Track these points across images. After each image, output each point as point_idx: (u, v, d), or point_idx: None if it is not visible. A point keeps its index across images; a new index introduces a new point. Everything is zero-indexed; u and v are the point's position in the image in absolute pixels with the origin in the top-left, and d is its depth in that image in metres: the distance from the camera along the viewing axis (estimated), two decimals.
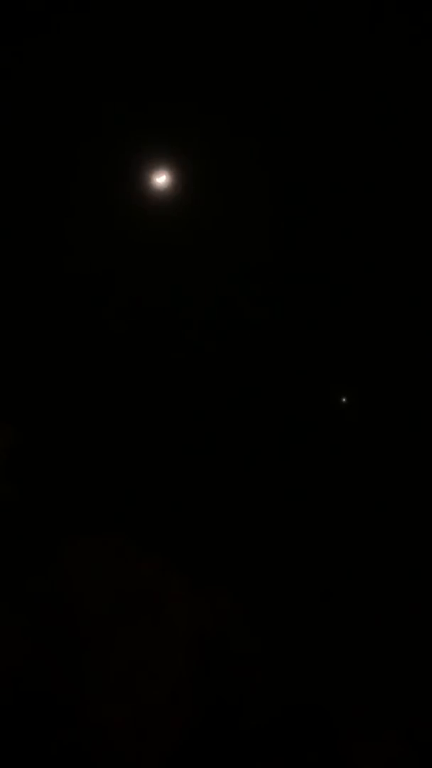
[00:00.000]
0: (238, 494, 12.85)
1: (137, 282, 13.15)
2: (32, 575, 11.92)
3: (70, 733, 11.20)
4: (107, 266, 13.05)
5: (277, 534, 12.77)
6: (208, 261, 13.21)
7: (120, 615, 11.89)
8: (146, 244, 13.10)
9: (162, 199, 13.10)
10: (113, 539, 12.27)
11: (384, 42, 12.36)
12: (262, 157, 13.03)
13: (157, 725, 11.42)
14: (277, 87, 12.80)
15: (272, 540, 12.73)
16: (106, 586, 12.00)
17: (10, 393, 12.92)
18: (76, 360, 13.00)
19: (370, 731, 11.89)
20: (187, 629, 11.97)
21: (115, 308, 13.09)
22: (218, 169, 13.08)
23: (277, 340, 13.46)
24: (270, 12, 12.41)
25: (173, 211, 13.11)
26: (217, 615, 12.13)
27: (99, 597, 11.92)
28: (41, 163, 12.93)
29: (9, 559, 12.05)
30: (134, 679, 11.58)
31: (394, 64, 12.46)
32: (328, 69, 12.66)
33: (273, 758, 11.43)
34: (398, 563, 12.81)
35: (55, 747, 10.83)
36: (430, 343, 13.44)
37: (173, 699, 11.58)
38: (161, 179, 13.10)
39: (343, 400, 13.53)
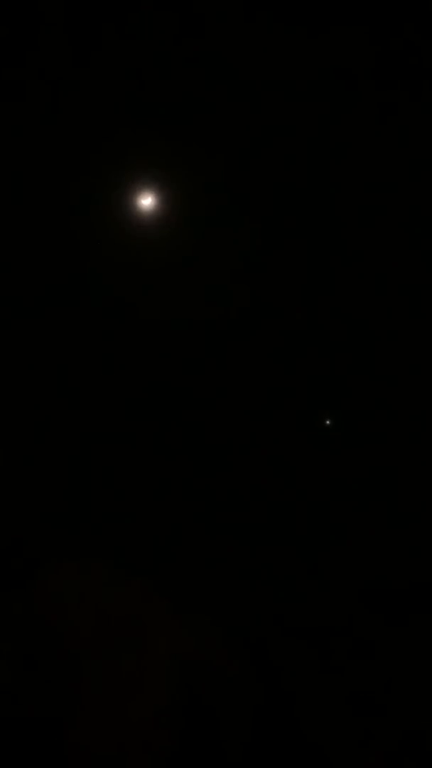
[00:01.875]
0: (221, 519, 12.91)
1: (124, 305, 13.19)
2: (13, 599, 11.94)
3: (53, 757, 11.26)
4: (94, 290, 13.08)
5: (261, 559, 12.84)
6: (192, 285, 13.26)
7: (102, 639, 11.93)
8: (131, 268, 13.13)
9: (146, 223, 13.13)
10: (96, 563, 12.31)
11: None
12: (251, 183, 13.09)
13: (139, 748, 11.48)
14: (269, 115, 12.84)
15: (256, 565, 12.80)
16: (88, 610, 12.04)
17: None
18: (59, 382, 13.04)
19: (356, 753, 11.99)
20: (170, 653, 12.02)
21: (100, 334, 13.14)
22: (204, 194, 13.12)
23: (262, 362, 13.51)
24: (264, 43, 12.45)
25: (158, 235, 13.14)
26: (199, 639, 12.18)
27: (81, 621, 11.95)
28: (26, 186, 12.94)
29: None
30: (116, 702, 11.64)
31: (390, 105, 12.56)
32: (322, 100, 12.73)
33: None
34: (387, 583, 12.90)
35: None
36: (417, 366, 13.52)
37: (156, 722, 11.63)
38: (146, 202, 13.13)
39: (327, 422, 13.60)
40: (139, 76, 12.43)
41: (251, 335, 13.51)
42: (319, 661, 12.35)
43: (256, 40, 12.12)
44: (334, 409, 13.72)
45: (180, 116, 12.73)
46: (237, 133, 12.81)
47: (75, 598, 12.03)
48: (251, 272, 13.41)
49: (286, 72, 12.25)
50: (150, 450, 13.08)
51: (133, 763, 11.38)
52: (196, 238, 13.20)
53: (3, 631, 11.73)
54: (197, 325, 13.36)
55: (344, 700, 12.13)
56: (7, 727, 11.19)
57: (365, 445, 13.60)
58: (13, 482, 12.62)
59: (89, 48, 12.32)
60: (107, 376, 13.21)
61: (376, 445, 13.56)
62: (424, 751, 11.83)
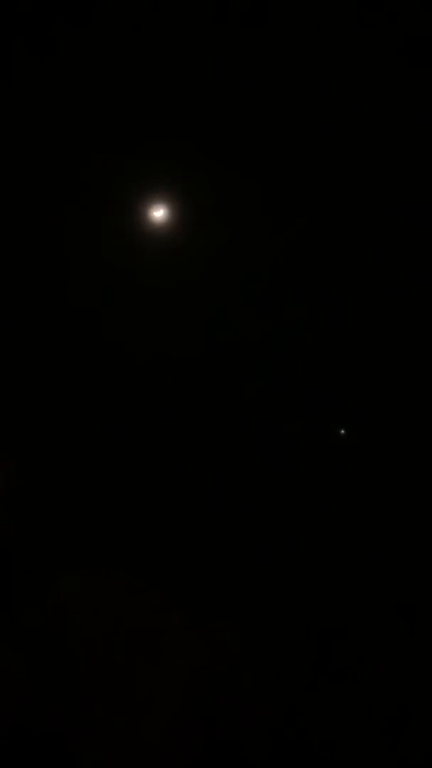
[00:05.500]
0: (236, 529, 12.84)
1: (135, 318, 13.19)
2: (29, 611, 11.90)
3: None
4: (106, 301, 13.10)
5: (276, 568, 12.75)
6: (205, 295, 13.25)
7: (118, 651, 11.86)
8: (143, 279, 13.14)
9: (159, 233, 13.14)
10: (111, 575, 12.25)
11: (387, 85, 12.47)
12: (262, 192, 13.08)
13: (156, 762, 11.38)
14: (279, 121, 12.85)
15: (271, 574, 12.71)
16: (103, 622, 11.97)
17: (11, 428, 12.96)
18: (76, 395, 13.05)
19: (370, 765, 11.86)
20: (186, 665, 11.93)
21: (114, 345, 13.13)
22: (217, 202, 13.11)
23: (276, 372, 13.46)
24: (271, 49, 12.47)
25: (170, 245, 13.14)
26: (216, 650, 12.09)
27: (97, 633, 11.89)
28: (36, 195, 12.98)
29: (5, 595, 12.05)
30: (133, 715, 11.55)
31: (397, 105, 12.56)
32: (330, 104, 12.73)
33: None
34: (397, 596, 12.77)
35: None
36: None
37: (172, 735, 11.53)
38: (159, 213, 13.13)
39: (342, 432, 13.53)
40: (144, 84, 12.54)
41: (266, 345, 13.47)
42: (334, 673, 12.26)
43: (264, 43, 12.20)
44: (347, 419, 13.64)
45: (189, 125, 12.79)
46: (248, 140, 12.84)
47: (90, 610, 11.97)
48: (266, 286, 13.40)
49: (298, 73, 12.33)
50: (166, 464, 13.04)
51: None
52: (208, 252, 13.19)
53: (19, 644, 11.69)
54: (208, 337, 13.36)
55: (360, 711, 12.03)
56: (22, 740, 11.13)
57: (381, 455, 13.50)
58: (28, 498, 12.59)
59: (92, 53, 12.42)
60: (125, 393, 13.18)
61: (392, 455, 13.46)
62: None
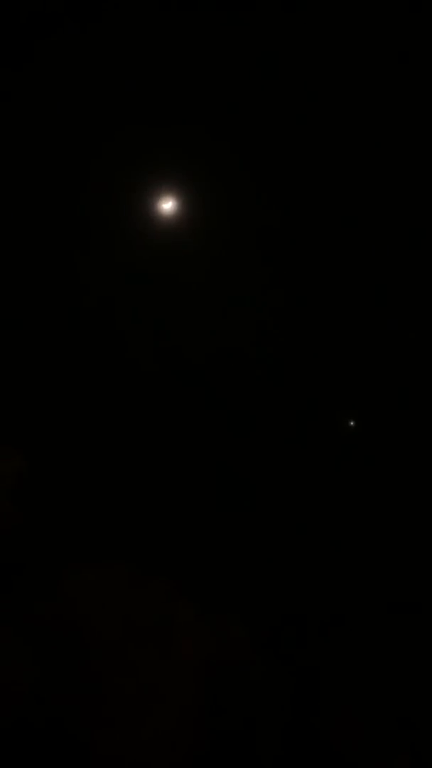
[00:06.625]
0: (245, 522, 12.86)
1: (145, 310, 13.21)
2: (38, 602, 11.96)
3: (78, 761, 11.24)
4: (115, 295, 13.12)
5: (284, 560, 12.77)
6: (214, 287, 13.25)
7: (127, 642, 11.91)
8: (152, 271, 13.14)
9: (168, 225, 13.13)
10: (120, 566, 12.31)
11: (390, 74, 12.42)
12: (269, 184, 13.06)
13: (165, 752, 11.42)
14: (285, 113, 12.81)
15: (279, 566, 12.73)
16: (113, 613, 12.03)
17: (20, 421, 13.01)
18: (84, 390, 13.10)
19: (379, 756, 11.85)
20: (195, 655, 11.98)
21: (123, 337, 13.15)
22: (225, 195, 13.10)
23: (285, 364, 13.46)
24: (278, 38, 12.44)
25: (179, 237, 13.13)
26: (224, 641, 12.13)
27: (106, 624, 11.95)
28: (45, 189, 13.01)
29: (15, 586, 12.11)
30: (142, 706, 11.60)
31: (399, 95, 12.51)
32: (336, 95, 12.69)
33: None
34: (404, 588, 12.76)
35: None
36: None
37: (181, 725, 11.57)
38: (168, 205, 13.11)
39: (351, 423, 13.51)
40: (147, 73, 12.53)
41: (278, 339, 13.46)
42: (342, 664, 12.26)
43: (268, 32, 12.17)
44: (357, 411, 13.62)
45: (201, 122, 12.77)
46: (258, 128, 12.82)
47: (99, 601, 12.03)
48: (275, 275, 13.37)
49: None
50: (175, 457, 13.06)
51: (158, 766, 11.31)
52: (220, 245, 13.18)
53: (28, 635, 11.75)
54: (218, 331, 13.36)
55: (368, 702, 12.03)
56: (32, 730, 11.19)
57: (390, 447, 13.47)
58: (37, 491, 12.64)
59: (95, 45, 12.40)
60: (134, 387, 13.20)
61: (401, 446, 13.43)
62: None
